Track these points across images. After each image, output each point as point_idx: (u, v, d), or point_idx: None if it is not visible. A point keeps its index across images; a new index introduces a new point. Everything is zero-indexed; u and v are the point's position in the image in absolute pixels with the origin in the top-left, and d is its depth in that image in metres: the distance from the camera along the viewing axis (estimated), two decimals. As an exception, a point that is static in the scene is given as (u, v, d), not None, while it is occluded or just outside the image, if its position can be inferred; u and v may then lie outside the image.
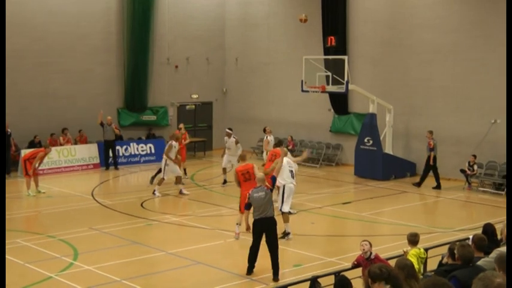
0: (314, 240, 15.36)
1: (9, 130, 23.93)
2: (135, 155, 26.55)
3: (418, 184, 21.65)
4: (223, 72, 30.79)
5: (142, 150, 26.86)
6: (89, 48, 27.11)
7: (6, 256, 13.76)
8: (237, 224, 14.98)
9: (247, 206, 12.69)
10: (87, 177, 23.97)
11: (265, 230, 12.22)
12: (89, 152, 25.43)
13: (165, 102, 29.28)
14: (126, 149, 26.32)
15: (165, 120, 29.28)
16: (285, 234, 14.92)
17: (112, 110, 27.69)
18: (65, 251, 14.20)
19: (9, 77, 24.35)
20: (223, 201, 19.32)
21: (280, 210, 14.99)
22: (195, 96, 30.00)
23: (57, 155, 24.60)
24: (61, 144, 25.46)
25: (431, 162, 21.34)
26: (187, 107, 30.08)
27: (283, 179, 15.15)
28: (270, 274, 12.31)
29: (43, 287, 12.10)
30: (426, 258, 10.03)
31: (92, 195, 20.32)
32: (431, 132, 21.60)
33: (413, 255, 9.50)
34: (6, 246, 14.33)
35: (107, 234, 15.71)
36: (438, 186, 21.30)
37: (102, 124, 25.02)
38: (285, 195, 15.14)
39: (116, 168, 25.07)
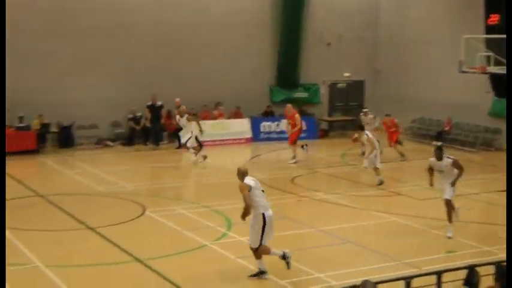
0: (469, 227, 14.87)
1: (160, 102, 25.24)
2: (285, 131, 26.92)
3: None
4: (376, 50, 30.32)
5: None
6: (243, 25, 27.69)
7: (166, 222, 14.60)
8: None
9: None
10: (240, 151, 24.67)
11: None
12: (241, 126, 26.16)
13: (316, 80, 29.36)
14: (277, 125, 26.81)
15: (316, 97, 29.41)
16: (261, 272, 11.36)
17: (264, 86, 28.25)
18: (219, 221, 14.75)
19: (166, 51, 25.66)
20: (373, 181, 19.16)
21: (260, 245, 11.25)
22: (347, 74, 29.80)
23: (211, 129, 25.54)
24: (214, 118, 26.42)
25: None
26: (339, 85, 29.98)
27: (262, 206, 11.16)
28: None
29: (198, 253, 12.67)
30: None
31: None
32: None
33: None
34: (164, 213, 15.19)
35: (259, 207, 16.09)
36: None
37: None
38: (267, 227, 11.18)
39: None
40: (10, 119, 23.98)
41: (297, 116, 22.30)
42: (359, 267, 11.74)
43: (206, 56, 27.08)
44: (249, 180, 11.22)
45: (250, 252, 12.50)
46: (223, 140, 25.75)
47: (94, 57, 25.56)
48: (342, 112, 29.72)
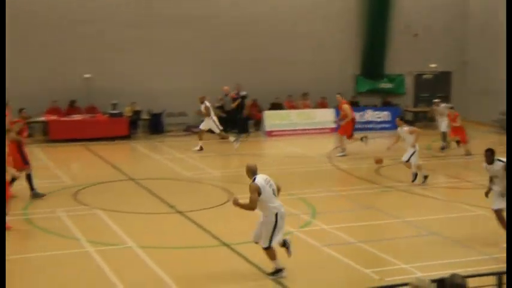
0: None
1: (244, 92, 25.37)
2: (370, 122, 26.70)
3: None
4: (464, 42, 29.44)
5: (378, 118, 26.88)
6: (329, 15, 27.47)
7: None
8: None
9: None
10: (324, 141, 24.51)
11: None
12: (326, 116, 26.01)
13: (402, 70, 28.82)
14: (362, 116, 26.51)
15: (401, 88, 28.88)
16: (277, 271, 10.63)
17: (349, 76, 27.96)
18: (304, 209, 14.72)
19: (253, 42, 25.80)
20: (461, 173, 18.66)
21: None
22: (433, 65, 29.10)
23: (296, 118, 25.57)
24: (300, 108, 26.47)
25: None
26: (424, 76, 29.34)
27: (273, 207, 10.39)
28: None
29: (283, 240, 12.67)
30: None
31: (328, 158, 20.77)
32: None
33: None
34: (247, 200, 15.24)
35: (343, 197, 15.99)
36: None
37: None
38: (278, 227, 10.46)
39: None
40: (104, 105, 24.73)
41: (345, 106, 21.47)
42: (445, 259, 11.43)
43: (292, 46, 27.03)
44: (259, 178, 10.29)
45: (336, 240, 12.47)
46: (308, 130, 25.71)
47: (183, 48, 25.99)
48: (428, 103, 29.04)
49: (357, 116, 26.47)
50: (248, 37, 26.51)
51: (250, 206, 10.31)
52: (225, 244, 12.16)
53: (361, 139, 21.26)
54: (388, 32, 28.08)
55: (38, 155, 21.42)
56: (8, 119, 16.70)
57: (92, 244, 12.00)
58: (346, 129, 21.39)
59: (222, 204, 15.11)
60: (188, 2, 25.97)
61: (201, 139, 22.26)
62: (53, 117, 23.93)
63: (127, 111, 25.09)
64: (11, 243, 12.08)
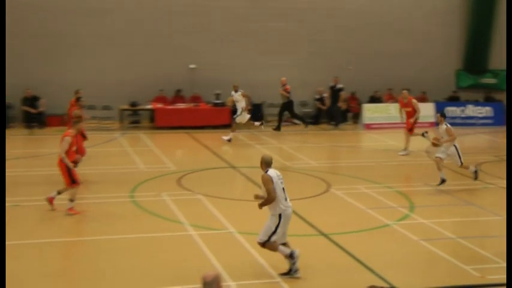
0: None
1: (341, 85, 25.08)
2: (471, 117, 25.85)
3: None
4: None
5: (480, 113, 25.97)
6: (432, 10, 26.76)
7: (349, 200, 14.54)
8: None
9: None
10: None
11: None
12: (426, 110, 25.34)
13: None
14: (462, 111, 25.70)
15: (505, 83, 27.73)
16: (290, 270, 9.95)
17: (450, 71, 27.14)
18: (401, 202, 14.42)
19: (354, 36, 25.52)
20: None
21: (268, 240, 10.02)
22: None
23: (395, 111, 25.00)
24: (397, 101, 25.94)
25: None
26: (531, 71, 28.01)
27: (281, 204, 9.89)
28: None
29: (380, 232, 12.45)
30: None
31: (426, 152, 20.28)
32: None
33: None
34: (348, 191, 15.13)
35: (443, 191, 15.51)
36: None
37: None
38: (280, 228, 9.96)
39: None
40: (207, 95, 25.17)
41: (414, 101, 20.48)
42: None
43: (393, 40, 26.55)
44: (272, 172, 9.80)
45: (434, 235, 12.14)
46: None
47: (285, 40, 26.03)
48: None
49: (458, 111, 25.80)
50: (349, 30, 26.26)
51: (271, 198, 9.63)
52: (322, 234, 12.09)
53: (423, 134, 20.35)
54: (494, 26, 27.02)
55: (145, 141, 22.12)
56: (72, 109, 17.14)
57: (195, 228, 12.24)
58: (412, 125, 20.51)
59: (319, 195, 15.05)
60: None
61: (233, 130, 22.03)
62: (159, 106, 24.59)
63: (229, 101, 25.38)
64: (120, 224, 12.54)
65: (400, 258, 10.99)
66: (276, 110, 26.39)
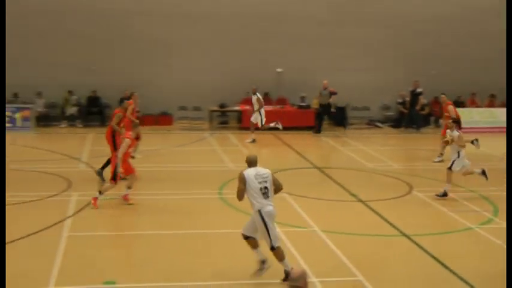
0: None
1: (420, 89, 24.49)
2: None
3: None
4: None
5: None
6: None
7: (431, 202, 14.18)
8: None
9: None
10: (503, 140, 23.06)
11: None
12: (503, 115, 24.56)
13: None
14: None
15: None
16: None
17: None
18: (485, 206, 13.97)
19: (436, 40, 24.94)
20: None
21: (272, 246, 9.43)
22: None
23: (477, 116, 24.41)
24: (479, 106, 25.37)
25: None
26: None
27: (258, 203, 9.35)
28: None
29: (463, 235, 12.11)
30: None
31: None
32: None
33: None
34: (430, 194, 14.76)
35: (527, 196, 14.90)
36: None
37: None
38: (269, 224, 9.39)
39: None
40: (293, 98, 25.22)
41: (450, 107, 19.09)
42: None
43: (479, 45, 25.78)
44: (250, 170, 9.33)
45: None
46: (490, 128, 24.38)
47: (370, 44, 25.75)
48: None
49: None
50: (434, 35, 25.67)
51: (237, 196, 9.40)
52: (404, 235, 11.85)
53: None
54: None
55: (233, 140, 22.38)
56: (131, 108, 17.28)
57: (279, 225, 12.23)
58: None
59: (401, 196, 14.78)
60: (377, 2, 25.69)
61: (253, 132, 21.80)
62: (247, 107, 24.80)
63: (314, 103, 25.34)
64: (210, 219, 12.73)
65: (481, 260, 10.64)
66: (360, 113, 26.22)
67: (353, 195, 14.70)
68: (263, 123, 21.57)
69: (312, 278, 9.40)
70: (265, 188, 9.28)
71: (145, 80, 24.60)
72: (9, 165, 16.53)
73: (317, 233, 11.88)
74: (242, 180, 9.29)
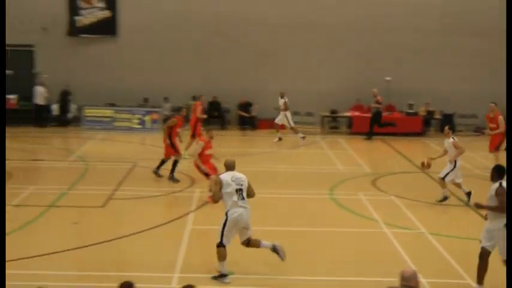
0: None
1: None
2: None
3: None
4: None
5: None
6: None
7: None
8: None
9: None
10: None
11: None
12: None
13: None
14: None
15: None
16: (220, 275, 9.34)
17: None
18: None
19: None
20: None
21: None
22: None
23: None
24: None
25: None
26: None
27: (230, 205, 9.33)
28: None
29: None
30: None
31: None
32: None
33: None
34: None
35: None
36: None
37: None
38: (227, 228, 9.31)
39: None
40: (401, 105, 24.77)
41: (501, 118, 17.25)
42: None
43: None
44: (226, 175, 9.35)
45: None
46: None
47: (474, 55, 24.94)
48: None
49: None
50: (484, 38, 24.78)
51: (213, 199, 9.55)
52: None
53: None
54: None
55: (343, 144, 22.29)
56: (198, 109, 18.87)
57: (388, 226, 12.10)
58: (494, 141, 17.68)
59: None
60: (484, 13, 24.81)
61: (277, 131, 22.29)
62: (357, 113, 24.62)
63: (421, 110, 24.75)
64: (322, 219, 12.76)
65: None
66: (467, 121, 25.30)
67: (461, 200, 14.22)
68: (292, 125, 22.31)
69: (421, 279, 9.22)
70: (240, 190, 9.32)
71: (260, 86, 25.01)
72: (139, 163, 17.39)
73: (425, 235, 11.63)
74: (217, 183, 9.38)
